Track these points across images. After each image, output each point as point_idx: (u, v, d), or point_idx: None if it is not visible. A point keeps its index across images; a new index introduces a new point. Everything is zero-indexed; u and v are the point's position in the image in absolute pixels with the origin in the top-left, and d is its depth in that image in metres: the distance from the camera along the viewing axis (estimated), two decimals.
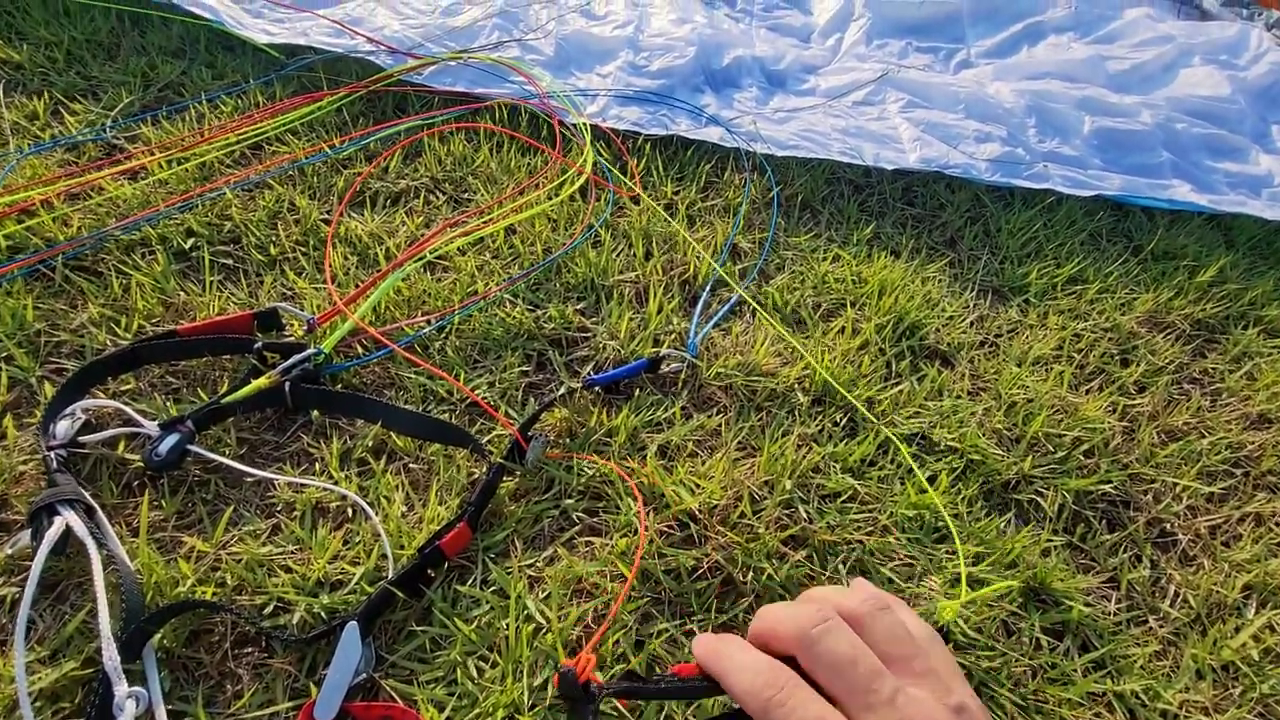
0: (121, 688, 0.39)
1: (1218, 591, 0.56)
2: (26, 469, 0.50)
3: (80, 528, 0.44)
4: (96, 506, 0.47)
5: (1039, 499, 0.60)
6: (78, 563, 0.45)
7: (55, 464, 0.47)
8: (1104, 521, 0.61)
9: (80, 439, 0.50)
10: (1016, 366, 0.71)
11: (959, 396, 0.67)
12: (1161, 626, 0.54)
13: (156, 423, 0.51)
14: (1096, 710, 0.48)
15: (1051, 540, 0.57)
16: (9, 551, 0.45)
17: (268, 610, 0.45)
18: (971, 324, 0.76)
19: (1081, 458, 0.64)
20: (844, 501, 0.56)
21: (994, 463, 0.61)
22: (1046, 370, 0.72)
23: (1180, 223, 0.98)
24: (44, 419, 0.50)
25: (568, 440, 0.57)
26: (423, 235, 0.72)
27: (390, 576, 0.46)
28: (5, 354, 0.55)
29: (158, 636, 0.43)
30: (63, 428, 0.50)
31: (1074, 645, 0.52)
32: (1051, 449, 0.64)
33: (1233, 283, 0.88)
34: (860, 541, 0.54)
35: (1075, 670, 0.50)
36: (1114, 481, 0.63)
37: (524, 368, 0.62)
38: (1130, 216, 0.98)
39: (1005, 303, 0.81)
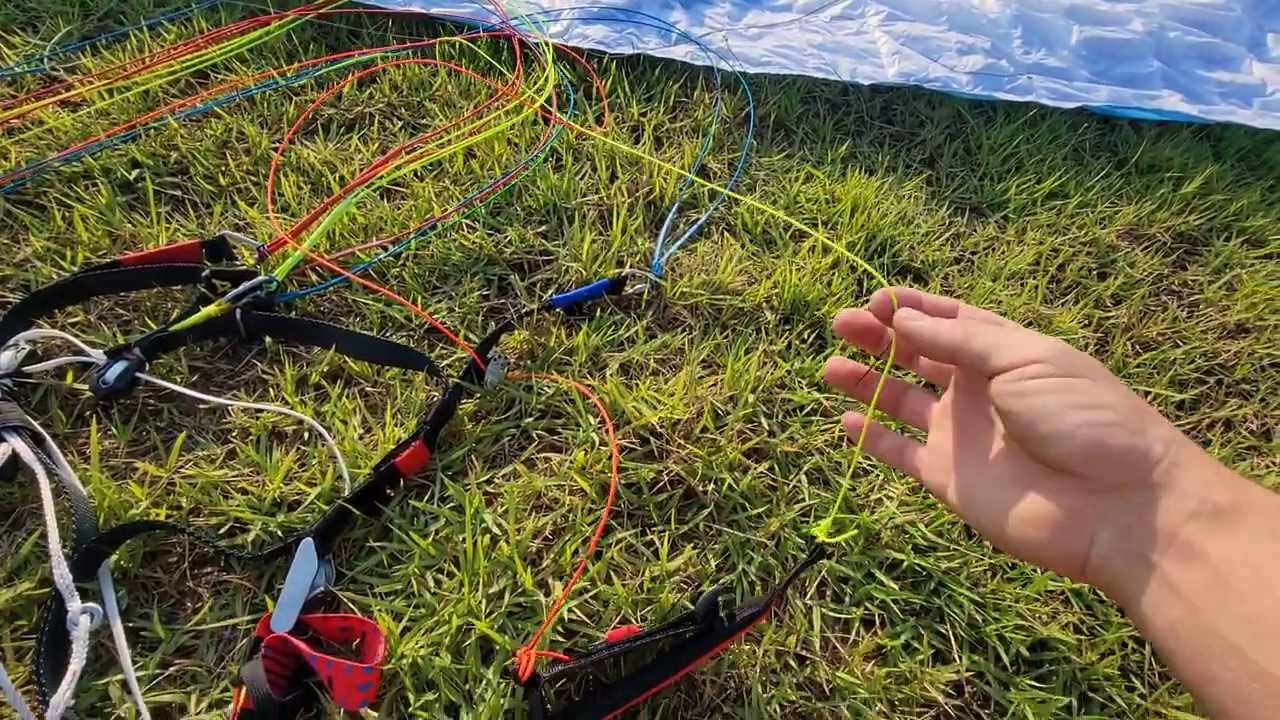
0: (75, 604, 0.39)
1: None
2: None
3: (27, 453, 0.44)
4: (45, 434, 0.46)
5: None
6: (31, 490, 0.45)
7: (0, 393, 0.47)
8: None
9: (26, 369, 0.49)
10: (991, 281, 0.70)
11: None
12: None
13: (103, 350, 0.50)
14: (1054, 606, 0.48)
15: None
16: None
17: (224, 531, 0.45)
18: (947, 241, 0.75)
19: None
20: (807, 414, 0.56)
21: None
22: (1021, 285, 0.71)
23: (1168, 135, 0.95)
24: None
25: (528, 362, 0.56)
26: (375, 161, 0.69)
27: (346, 495, 0.46)
28: None
29: (114, 558, 0.43)
30: (5, 358, 0.49)
31: None
32: None
33: (1218, 194, 0.86)
34: (822, 450, 0.53)
35: (1034, 570, 0.50)
36: None
37: (484, 292, 0.61)
38: (1117, 130, 0.95)
39: (983, 219, 0.79)
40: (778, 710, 0.42)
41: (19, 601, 0.41)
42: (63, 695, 0.35)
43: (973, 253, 0.74)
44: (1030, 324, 0.66)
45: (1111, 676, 0.46)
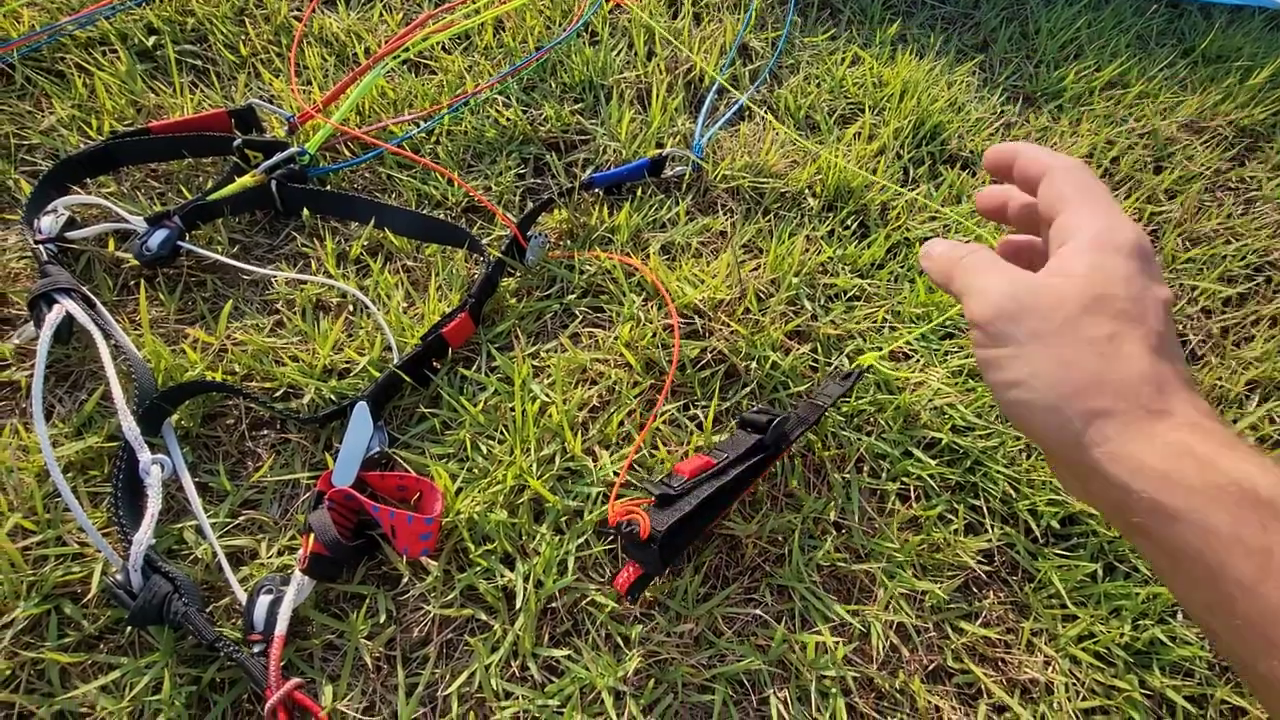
0: (145, 454, 0.40)
1: (1221, 385, 0.56)
2: (19, 267, 0.49)
3: (81, 314, 0.44)
4: (94, 299, 0.46)
5: None
6: (87, 353, 0.46)
7: (46, 257, 0.47)
8: None
9: (68, 235, 0.48)
10: None
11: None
12: None
13: (144, 218, 0.49)
14: None
15: None
16: (16, 341, 0.46)
17: (278, 394, 0.46)
18: (998, 130, 0.71)
19: None
20: (850, 299, 0.55)
21: None
22: None
23: (1239, 23, 0.88)
24: (26, 214, 0.48)
25: (568, 241, 0.56)
26: (404, 31, 0.65)
27: (395, 363, 0.46)
28: None
29: (175, 418, 0.44)
30: (47, 223, 0.48)
31: None
32: None
33: None
34: (864, 334, 0.53)
35: None
36: None
37: (520, 171, 0.59)
38: (1185, 15, 0.88)
39: (1036, 109, 0.75)
40: (816, 570, 0.44)
41: (89, 454, 0.42)
42: (144, 533, 0.37)
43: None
44: None
45: (1137, 551, 0.47)
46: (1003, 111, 0.73)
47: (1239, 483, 0.21)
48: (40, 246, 0.47)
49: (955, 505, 0.47)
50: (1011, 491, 0.48)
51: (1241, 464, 0.21)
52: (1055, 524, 0.47)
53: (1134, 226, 0.27)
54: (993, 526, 0.47)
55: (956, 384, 0.52)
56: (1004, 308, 0.26)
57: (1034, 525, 0.47)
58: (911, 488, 0.48)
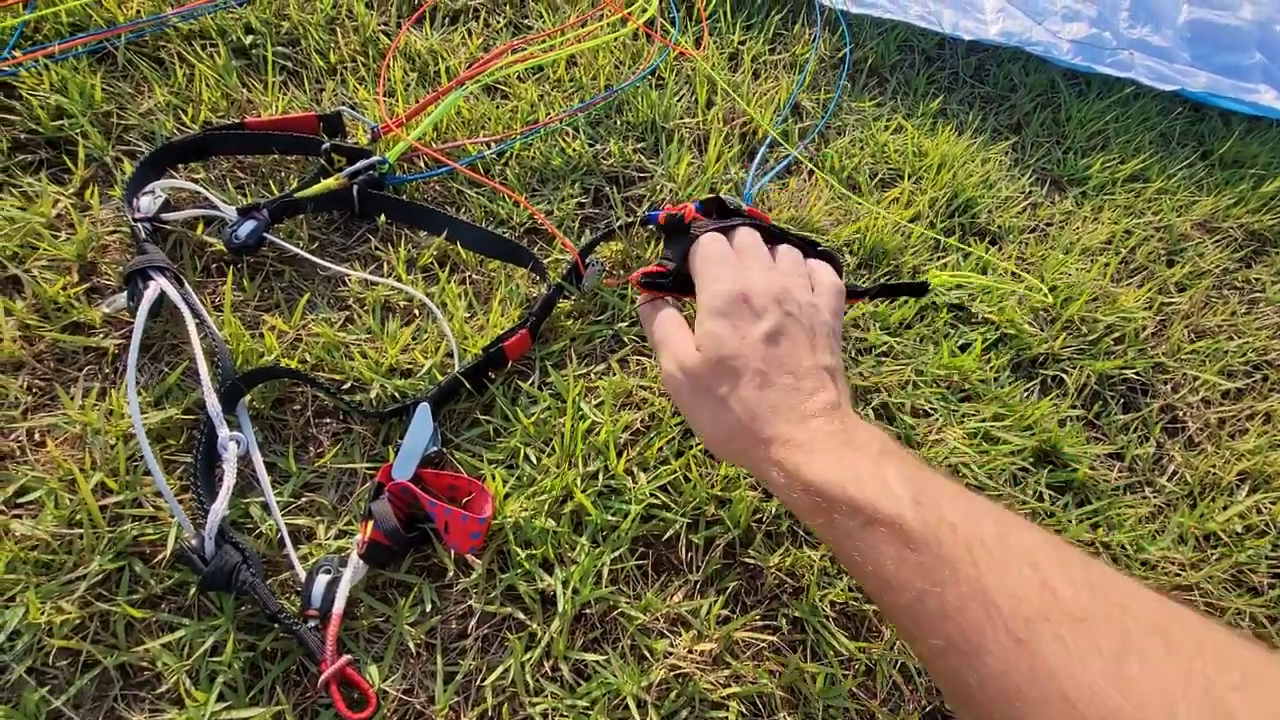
0: (223, 431, 0.43)
1: (1214, 473, 0.60)
2: (112, 240, 0.52)
3: (173, 293, 0.47)
4: (183, 278, 0.49)
5: (1064, 375, 0.63)
6: (169, 328, 0.49)
7: (144, 235, 0.50)
8: (1120, 403, 0.64)
9: (163, 216, 0.52)
10: (1063, 254, 0.72)
11: (1002, 275, 0.68)
12: (1156, 496, 0.58)
13: (234, 208, 0.52)
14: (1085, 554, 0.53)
15: (1069, 412, 0.60)
16: (106, 310, 0.49)
17: (345, 387, 0.49)
18: (1024, 209, 0.76)
19: (1111, 343, 0.66)
20: (879, 354, 0.59)
21: (1027, 338, 0.63)
22: (1092, 261, 0.73)
23: (1257, 131, 0.94)
24: (126, 193, 0.52)
25: (621, 271, 0.59)
26: (482, 57, 0.70)
27: (457, 370, 0.49)
28: (80, 130, 0.56)
29: (248, 398, 0.47)
30: (145, 203, 0.51)
31: (1073, 501, 0.56)
32: (1084, 332, 0.66)
33: None
34: (890, 389, 0.57)
35: (1071, 520, 0.54)
36: (1137, 368, 0.65)
37: (581, 200, 0.63)
38: (1206, 120, 0.94)
39: (1062, 193, 0.80)
40: (830, 605, 0.47)
41: (167, 424, 0.45)
42: (221, 504, 0.40)
43: (1048, 224, 0.76)
44: (1095, 300, 0.68)
45: None
46: (1030, 192, 0.78)
47: (806, 481, 0.31)
48: (139, 224, 0.50)
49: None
50: None
51: (816, 469, 0.31)
52: None
53: (730, 280, 0.36)
54: None
55: (972, 445, 0.55)
56: (671, 383, 0.37)
57: None
58: None
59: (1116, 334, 0.67)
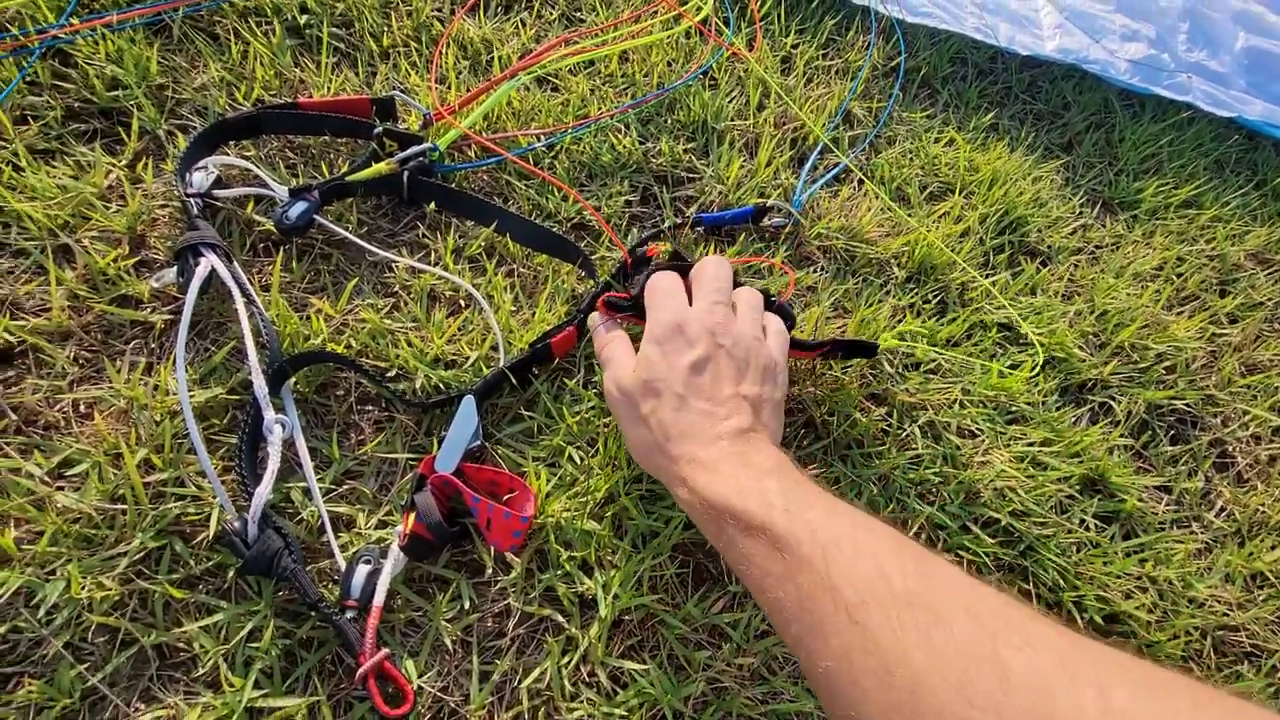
0: (269, 413, 0.42)
1: (1263, 511, 0.59)
2: (162, 214, 0.52)
3: (223, 270, 0.47)
4: (233, 256, 0.49)
5: (1112, 403, 0.61)
6: (215, 304, 0.48)
7: (195, 210, 0.49)
8: (1169, 434, 0.62)
9: (214, 193, 0.51)
10: (1114, 278, 0.70)
11: (1052, 296, 0.67)
12: (1204, 532, 0.57)
13: (286, 188, 0.52)
14: (1132, 586, 0.51)
15: (1117, 441, 0.59)
16: (155, 285, 0.48)
17: (390, 375, 0.48)
18: (1075, 231, 0.74)
19: (1162, 372, 0.64)
20: (926, 372, 0.58)
21: (1076, 363, 0.62)
22: (1143, 287, 0.71)
23: None
24: (179, 168, 0.51)
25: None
26: (534, 49, 0.69)
27: (503, 364, 0.49)
28: (134, 102, 0.55)
29: (292, 381, 0.46)
30: (198, 178, 0.51)
31: (1119, 533, 0.55)
32: (1135, 359, 0.64)
33: None
34: (938, 408, 0.56)
35: (1117, 552, 0.53)
36: (1188, 399, 0.63)
37: (629, 197, 0.62)
38: (1260, 148, 0.91)
39: (1113, 215, 0.78)
40: None
41: (211, 404, 0.45)
42: (265, 488, 0.40)
43: (1098, 246, 0.74)
44: (1146, 327, 0.67)
45: (1174, 656, 0.49)
46: (1081, 213, 0.76)
47: (703, 495, 0.36)
48: (191, 200, 0.50)
49: (1006, 586, 0.49)
50: (1060, 580, 0.50)
51: (713, 486, 0.36)
52: (1099, 619, 0.49)
53: (672, 311, 0.42)
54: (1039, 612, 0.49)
55: (1020, 469, 0.54)
56: (609, 398, 0.43)
57: (1078, 617, 0.49)
58: (965, 561, 0.50)
59: (1167, 363, 0.65)
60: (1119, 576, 0.51)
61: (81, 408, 0.43)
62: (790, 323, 0.48)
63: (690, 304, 0.44)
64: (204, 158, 0.52)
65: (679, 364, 0.40)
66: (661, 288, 0.44)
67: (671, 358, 0.40)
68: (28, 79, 0.54)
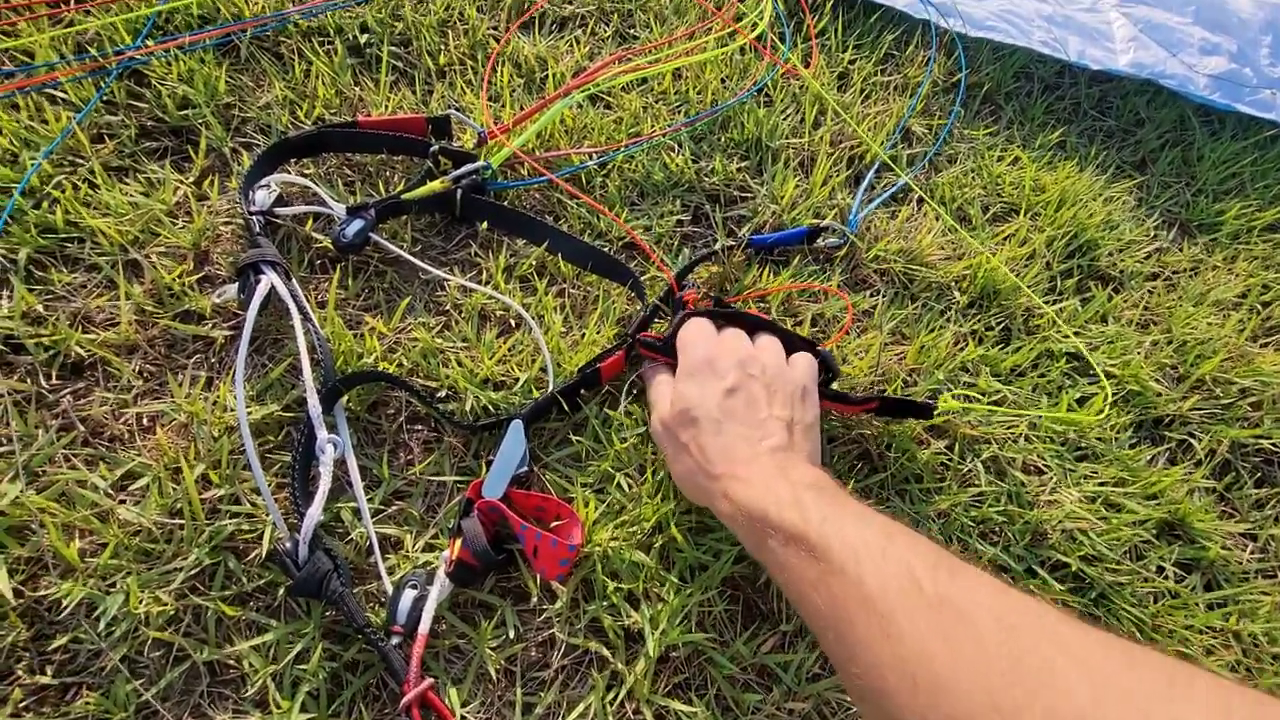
0: (322, 433, 0.43)
1: None
2: (225, 230, 0.53)
3: (282, 288, 0.47)
4: (291, 274, 0.50)
5: (1192, 441, 0.58)
6: (273, 321, 0.49)
7: (257, 228, 0.50)
8: (1255, 476, 0.58)
9: (275, 210, 0.52)
10: (1193, 306, 0.66)
11: (1125, 325, 0.63)
12: None
13: (344, 207, 0.53)
14: (1214, 641, 0.48)
15: (1198, 483, 0.55)
16: (216, 300, 0.49)
17: (440, 395, 0.48)
18: (1149, 255, 0.70)
19: (1247, 409, 0.60)
20: (990, 403, 0.55)
21: (1152, 397, 0.58)
22: (1225, 316, 0.67)
23: None
24: (243, 186, 0.52)
25: (717, 295, 0.57)
26: (588, 66, 0.69)
27: (552, 388, 0.48)
28: (202, 120, 0.57)
29: (345, 399, 0.47)
30: (261, 196, 0.52)
31: (1200, 583, 0.51)
32: (1217, 394, 0.60)
33: None
34: (1001, 441, 0.53)
35: (1198, 604, 0.49)
36: (1275, 439, 0.59)
37: (680, 217, 0.61)
38: None
39: (1191, 239, 0.74)
40: None
41: (266, 421, 0.45)
42: (316, 509, 0.40)
43: (1175, 271, 0.70)
44: (1229, 359, 0.63)
45: None
46: (1156, 236, 0.72)
47: (746, 507, 0.37)
48: (253, 218, 0.51)
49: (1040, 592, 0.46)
50: (1136, 633, 0.47)
51: (753, 498, 0.37)
52: None
53: (703, 348, 0.44)
54: None
55: (1091, 510, 0.51)
56: (654, 433, 0.44)
57: None
58: None
59: (1252, 399, 0.61)
60: (1200, 631, 0.48)
61: (145, 421, 0.44)
62: (834, 375, 0.48)
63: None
64: (266, 175, 0.54)
65: (713, 392, 0.42)
66: (693, 331, 0.46)
67: (705, 387, 0.42)
68: (105, 98, 0.57)
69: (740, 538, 0.39)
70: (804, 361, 0.46)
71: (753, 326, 0.47)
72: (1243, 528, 0.55)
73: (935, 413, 0.49)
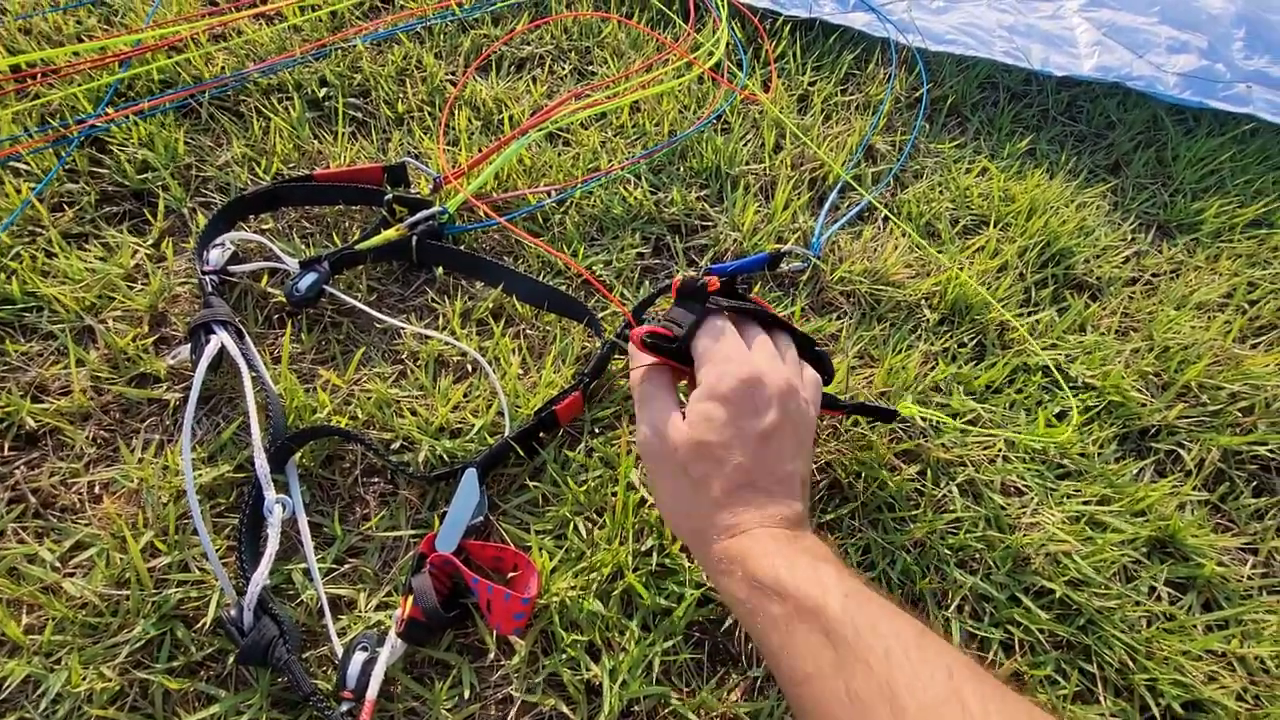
0: (270, 493, 0.42)
1: None
2: (182, 291, 0.53)
3: (233, 348, 0.47)
4: (245, 331, 0.50)
5: (1181, 451, 0.55)
6: (228, 380, 0.49)
7: (210, 287, 0.50)
8: (1252, 485, 0.55)
9: (230, 268, 0.52)
10: (1175, 310, 0.64)
11: (1104, 333, 0.61)
12: None
13: (297, 260, 0.53)
14: (1215, 667, 0.45)
15: (1189, 495, 0.53)
16: (170, 362, 0.49)
17: (394, 446, 0.48)
18: (1127, 259, 0.69)
19: (1238, 414, 0.58)
20: (964, 422, 0.54)
21: (1136, 407, 0.56)
22: (1210, 318, 0.65)
23: None
24: (198, 246, 0.53)
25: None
26: (546, 105, 0.69)
27: (508, 433, 0.47)
28: (161, 183, 0.58)
29: (298, 455, 0.46)
30: (215, 255, 0.52)
31: (1197, 603, 0.49)
32: (1205, 401, 0.58)
33: None
34: (977, 463, 0.51)
35: (1196, 626, 0.47)
36: (1270, 444, 0.57)
37: (641, 249, 0.61)
38: None
39: (1170, 240, 0.72)
40: None
41: (218, 482, 0.45)
42: (261, 574, 0.39)
43: (1155, 275, 0.68)
44: (1215, 363, 0.61)
45: None
46: (1134, 239, 0.71)
47: (748, 568, 0.32)
48: (206, 277, 0.51)
49: (1066, 667, 0.44)
50: (1129, 661, 0.45)
51: (765, 561, 0.32)
52: (1178, 707, 0.43)
53: (740, 363, 0.36)
54: (1105, 698, 0.43)
55: (1075, 531, 0.49)
56: (645, 447, 0.38)
57: (1152, 704, 0.43)
58: (1017, 639, 0.45)
59: (1243, 403, 0.59)
60: (1199, 656, 0.45)
61: (95, 489, 0.44)
62: (828, 377, 0.44)
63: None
64: (222, 234, 0.54)
65: (749, 433, 0.35)
66: (727, 335, 0.38)
67: (741, 424, 0.35)
68: (66, 166, 0.58)
69: (724, 591, 0.34)
70: (815, 387, 0.41)
71: (768, 325, 0.41)
72: (1240, 541, 0.52)
73: (896, 419, 0.48)
